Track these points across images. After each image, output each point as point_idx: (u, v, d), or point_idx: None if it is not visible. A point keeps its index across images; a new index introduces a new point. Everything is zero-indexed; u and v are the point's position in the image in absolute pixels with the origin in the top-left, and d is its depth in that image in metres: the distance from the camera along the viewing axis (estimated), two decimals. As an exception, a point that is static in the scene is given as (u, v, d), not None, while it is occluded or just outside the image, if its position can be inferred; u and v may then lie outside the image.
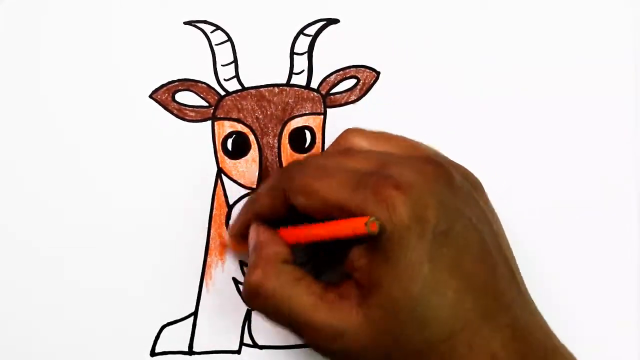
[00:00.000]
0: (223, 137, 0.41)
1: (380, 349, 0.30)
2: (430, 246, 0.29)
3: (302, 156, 0.40)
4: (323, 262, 0.38)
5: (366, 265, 0.30)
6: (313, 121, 0.41)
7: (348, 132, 0.36)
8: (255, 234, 0.35)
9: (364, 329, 0.30)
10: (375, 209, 0.29)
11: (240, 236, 0.37)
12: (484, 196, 0.36)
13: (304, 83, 0.41)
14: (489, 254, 0.31)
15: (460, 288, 0.30)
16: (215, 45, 0.41)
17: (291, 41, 0.41)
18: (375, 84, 0.41)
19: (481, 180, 0.37)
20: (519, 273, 0.34)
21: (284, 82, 0.41)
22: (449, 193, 0.31)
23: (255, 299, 0.32)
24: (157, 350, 0.40)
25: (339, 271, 0.33)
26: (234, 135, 0.41)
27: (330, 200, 0.31)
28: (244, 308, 0.41)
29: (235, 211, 0.40)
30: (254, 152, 0.41)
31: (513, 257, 0.34)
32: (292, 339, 0.40)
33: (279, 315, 0.32)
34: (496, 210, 0.36)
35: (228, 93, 0.41)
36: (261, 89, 0.41)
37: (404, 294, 0.29)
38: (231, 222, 0.39)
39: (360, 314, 0.30)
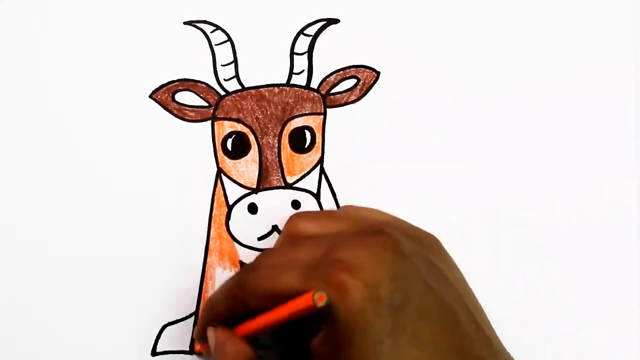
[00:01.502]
0: (223, 137, 0.41)
1: None
2: (388, 322, 0.29)
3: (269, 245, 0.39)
4: (288, 346, 0.38)
5: (329, 354, 0.31)
6: (313, 121, 0.41)
7: (292, 219, 0.37)
8: (213, 336, 0.35)
9: None
10: (330, 296, 0.29)
11: (204, 339, 0.37)
12: (439, 253, 0.35)
13: (304, 83, 0.41)
14: (450, 314, 0.31)
15: (424, 357, 0.29)
16: (215, 45, 0.41)
17: (291, 41, 0.41)
18: (375, 84, 0.41)
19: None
20: (487, 323, 0.34)
21: (284, 82, 0.41)
22: (400, 262, 0.31)
23: None
24: (158, 350, 0.40)
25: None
26: (233, 135, 0.41)
27: (284, 294, 0.31)
28: (244, 308, 0.41)
29: (241, 217, 0.40)
30: (254, 152, 0.41)
31: (477, 306, 0.34)
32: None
33: None
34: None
35: (228, 93, 0.41)
36: (261, 89, 0.41)
37: None
38: (195, 329, 0.39)
39: None
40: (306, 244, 0.33)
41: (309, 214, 0.37)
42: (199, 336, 0.38)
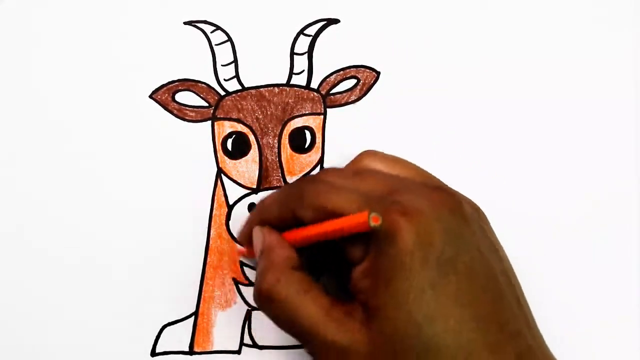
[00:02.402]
0: (223, 137, 0.41)
1: None
2: (433, 273, 0.29)
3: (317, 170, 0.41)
4: (330, 278, 0.38)
5: (369, 288, 0.31)
6: (313, 121, 0.41)
7: (364, 154, 0.37)
8: (261, 236, 0.35)
9: (368, 350, 0.30)
10: (380, 232, 0.30)
11: (250, 241, 0.37)
12: (489, 227, 0.36)
13: (304, 83, 0.41)
14: (496, 283, 0.31)
15: (464, 317, 0.29)
16: (215, 45, 0.41)
17: (291, 41, 0.41)
18: (375, 84, 0.41)
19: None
20: (526, 302, 0.34)
21: (284, 82, 0.41)
22: (457, 222, 0.31)
23: (267, 304, 0.33)
24: (157, 350, 0.40)
25: (345, 289, 0.33)
26: (234, 136, 0.41)
27: (339, 214, 0.31)
28: (244, 308, 0.41)
29: (241, 217, 0.40)
30: (254, 152, 0.41)
31: (519, 286, 0.34)
32: (292, 340, 0.40)
33: (287, 323, 0.32)
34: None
35: (228, 93, 0.41)
36: (261, 89, 0.41)
37: (406, 320, 0.29)
38: (239, 229, 0.39)
39: (365, 334, 0.30)
40: (370, 178, 0.34)
41: (379, 154, 0.37)
42: (243, 238, 0.38)
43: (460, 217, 0.31)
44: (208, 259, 0.40)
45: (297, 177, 0.41)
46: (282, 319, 0.32)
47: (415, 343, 0.29)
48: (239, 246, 0.40)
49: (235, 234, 0.40)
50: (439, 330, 0.29)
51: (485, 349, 0.29)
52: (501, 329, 0.30)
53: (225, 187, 0.41)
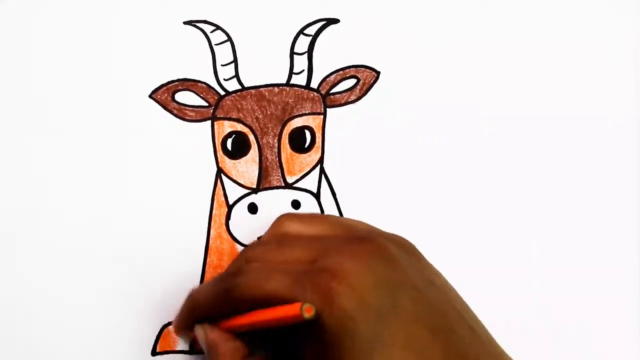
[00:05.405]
0: (223, 137, 0.41)
1: None
2: (379, 328, 0.29)
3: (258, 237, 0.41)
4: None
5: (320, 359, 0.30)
6: (313, 121, 0.41)
7: (281, 219, 0.37)
8: (203, 334, 0.35)
9: None
10: (318, 304, 0.30)
11: (184, 330, 0.38)
12: (421, 259, 0.35)
13: (304, 83, 0.41)
14: (443, 318, 0.31)
15: None
16: (215, 45, 0.41)
17: (291, 41, 0.41)
18: (375, 84, 0.41)
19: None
20: (480, 325, 0.33)
21: (284, 82, 0.41)
22: (388, 268, 0.31)
23: None
24: (158, 350, 0.40)
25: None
26: (233, 135, 0.41)
27: (273, 298, 0.31)
28: (244, 308, 0.41)
29: (241, 217, 0.41)
30: (253, 152, 0.41)
31: (469, 311, 0.34)
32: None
33: None
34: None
35: (228, 93, 0.41)
36: (261, 89, 0.41)
37: None
38: (174, 320, 0.39)
39: None
40: (292, 245, 0.34)
41: (297, 215, 0.38)
42: (178, 331, 0.39)
43: (389, 262, 0.31)
44: (208, 259, 0.41)
45: (297, 177, 0.41)
46: None
47: None
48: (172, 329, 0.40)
49: (235, 234, 0.40)
50: None
51: None
52: None
53: (225, 187, 0.41)
